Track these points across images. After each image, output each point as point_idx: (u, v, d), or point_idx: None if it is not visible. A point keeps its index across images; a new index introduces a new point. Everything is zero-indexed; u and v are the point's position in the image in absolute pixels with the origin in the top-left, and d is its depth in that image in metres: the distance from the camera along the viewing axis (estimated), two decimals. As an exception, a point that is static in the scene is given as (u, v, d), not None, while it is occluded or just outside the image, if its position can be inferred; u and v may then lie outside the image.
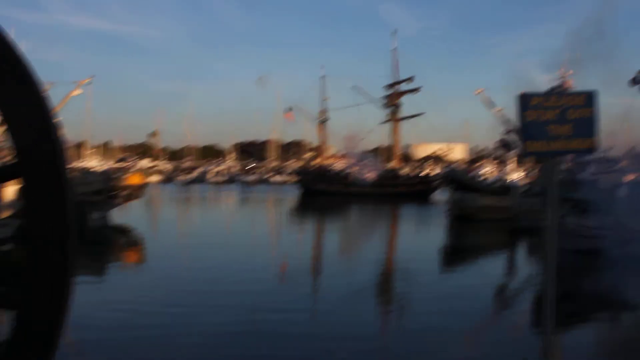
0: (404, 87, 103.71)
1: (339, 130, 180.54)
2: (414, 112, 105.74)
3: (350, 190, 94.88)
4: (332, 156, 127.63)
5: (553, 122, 4.93)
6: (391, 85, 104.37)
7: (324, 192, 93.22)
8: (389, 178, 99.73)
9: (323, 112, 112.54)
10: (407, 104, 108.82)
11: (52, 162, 2.40)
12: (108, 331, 17.16)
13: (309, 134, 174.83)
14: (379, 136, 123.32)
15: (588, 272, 30.84)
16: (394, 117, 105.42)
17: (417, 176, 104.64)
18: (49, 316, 2.46)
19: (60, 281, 2.46)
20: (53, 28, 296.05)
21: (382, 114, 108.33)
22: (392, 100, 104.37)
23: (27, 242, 2.45)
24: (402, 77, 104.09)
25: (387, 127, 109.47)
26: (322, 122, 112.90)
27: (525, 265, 34.27)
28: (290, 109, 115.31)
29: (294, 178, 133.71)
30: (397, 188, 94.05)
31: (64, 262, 2.45)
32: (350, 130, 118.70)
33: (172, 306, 20.48)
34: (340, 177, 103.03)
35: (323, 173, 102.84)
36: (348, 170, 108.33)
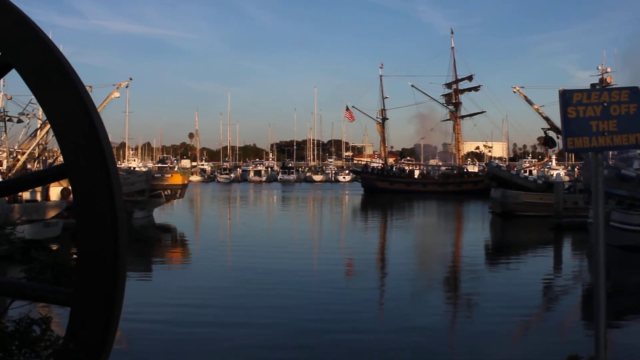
0: (463, 85, 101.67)
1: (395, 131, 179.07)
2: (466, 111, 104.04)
3: (413, 188, 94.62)
4: (390, 154, 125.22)
5: (596, 118, 4.89)
6: (450, 84, 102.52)
7: (386, 191, 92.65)
8: (454, 176, 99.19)
9: (382, 111, 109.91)
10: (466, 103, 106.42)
11: (100, 163, 2.46)
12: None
13: (350, 133, 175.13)
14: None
15: (636, 267, 30.32)
16: (455, 116, 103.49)
17: (481, 174, 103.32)
18: (102, 315, 2.52)
19: (112, 281, 2.52)
20: (90, 33, 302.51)
21: (442, 113, 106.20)
22: (452, 98, 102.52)
23: (77, 241, 2.52)
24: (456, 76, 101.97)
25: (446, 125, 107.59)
26: (382, 121, 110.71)
27: (572, 261, 33.82)
28: (347, 109, 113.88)
29: (342, 176, 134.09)
30: (462, 186, 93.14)
31: (115, 262, 2.51)
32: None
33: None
34: (403, 176, 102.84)
35: (385, 171, 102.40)
36: (410, 168, 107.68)
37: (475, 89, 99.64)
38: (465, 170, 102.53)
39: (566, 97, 4.89)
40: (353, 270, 28.96)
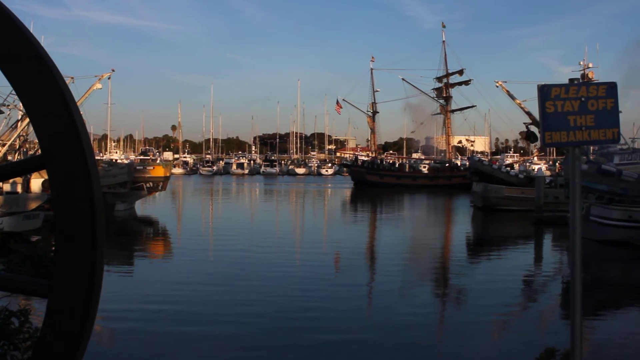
0: (454, 79, 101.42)
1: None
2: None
3: (403, 182, 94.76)
4: (377, 149, 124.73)
5: (574, 113, 4.95)
6: (441, 78, 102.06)
7: (376, 184, 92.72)
8: (443, 170, 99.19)
9: (373, 104, 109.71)
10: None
11: (78, 154, 2.46)
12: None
13: (333, 126, 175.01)
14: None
15: (615, 262, 30.65)
16: (446, 110, 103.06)
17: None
18: (79, 307, 2.52)
19: (90, 272, 2.51)
20: (73, 23, 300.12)
21: (432, 106, 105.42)
22: (443, 92, 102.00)
23: (56, 232, 2.51)
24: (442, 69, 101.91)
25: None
26: (373, 114, 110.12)
27: (552, 255, 34.07)
28: (337, 102, 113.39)
29: (325, 169, 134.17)
30: (452, 180, 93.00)
31: (93, 252, 2.51)
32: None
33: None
34: (393, 169, 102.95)
35: (375, 165, 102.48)
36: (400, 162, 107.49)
37: (466, 82, 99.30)
38: (455, 164, 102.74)
39: (544, 92, 4.94)
40: (339, 264, 29.03)
